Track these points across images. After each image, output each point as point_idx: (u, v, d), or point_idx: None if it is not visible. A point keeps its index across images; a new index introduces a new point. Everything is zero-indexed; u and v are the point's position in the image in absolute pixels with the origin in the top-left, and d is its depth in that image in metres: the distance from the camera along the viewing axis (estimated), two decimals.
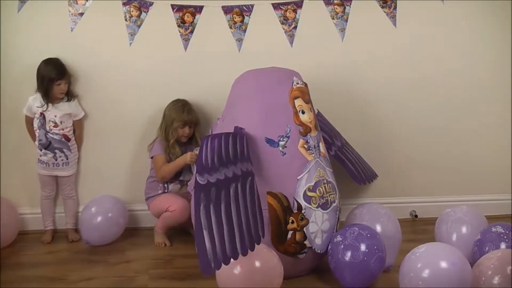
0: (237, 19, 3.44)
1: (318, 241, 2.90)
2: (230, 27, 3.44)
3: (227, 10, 3.43)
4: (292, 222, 2.84)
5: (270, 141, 2.87)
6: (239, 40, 3.45)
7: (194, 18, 3.41)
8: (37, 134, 3.42)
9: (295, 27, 3.48)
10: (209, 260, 2.32)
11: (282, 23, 3.48)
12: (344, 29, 3.52)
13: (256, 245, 2.54)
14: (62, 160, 3.46)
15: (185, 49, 3.44)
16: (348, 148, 3.60)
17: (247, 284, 2.54)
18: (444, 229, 3.09)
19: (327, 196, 2.93)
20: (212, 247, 2.34)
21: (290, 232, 2.84)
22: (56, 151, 3.43)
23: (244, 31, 3.45)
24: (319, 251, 2.92)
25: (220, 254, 2.36)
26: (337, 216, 3.02)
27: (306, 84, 3.04)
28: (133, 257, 3.27)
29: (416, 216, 3.80)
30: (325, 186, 2.93)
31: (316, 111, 3.12)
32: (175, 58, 3.50)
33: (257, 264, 2.57)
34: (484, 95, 3.77)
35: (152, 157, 3.48)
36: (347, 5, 3.51)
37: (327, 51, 3.59)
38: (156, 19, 3.39)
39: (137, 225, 3.67)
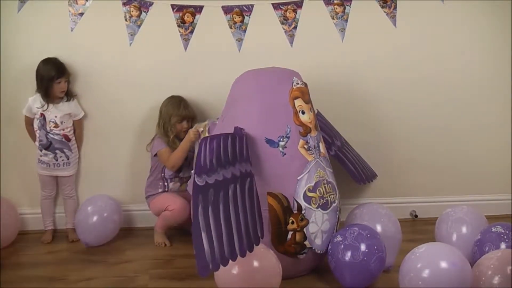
0: (237, 19, 3.44)
1: (318, 241, 2.90)
2: (230, 27, 3.44)
3: (227, 10, 3.42)
4: (292, 222, 2.84)
5: (270, 142, 2.87)
6: (239, 40, 3.45)
7: (194, 18, 3.41)
8: (37, 135, 3.42)
9: (295, 27, 3.48)
10: (207, 262, 2.31)
11: (282, 23, 3.48)
12: (344, 29, 3.52)
13: (254, 246, 2.53)
14: (63, 160, 3.46)
15: (185, 49, 3.44)
16: (348, 148, 3.60)
17: (245, 284, 2.54)
18: (444, 229, 3.09)
19: (327, 197, 2.93)
20: (210, 248, 2.34)
21: (290, 233, 2.84)
22: (57, 151, 3.43)
23: (244, 31, 3.45)
24: (319, 251, 2.92)
25: (218, 255, 2.35)
26: (337, 216, 3.02)
27: (306, 84, 3.04)
28: (133, 257, 3.27)
29: (416, 216, 3.79)
30: (325, 187, 2.93)
31: (316, 111, 3.12)
32: (175, 58, 3.50)
33: (256, 264, 2.57)
34: (484, 95, 3.77)
35: (155, 154, 3.48)
36: (347, 5, 3.50)
37: (327, 51, 3.59)
38: (156, 19, 3.39)
39: (137, 225, 3.67)
